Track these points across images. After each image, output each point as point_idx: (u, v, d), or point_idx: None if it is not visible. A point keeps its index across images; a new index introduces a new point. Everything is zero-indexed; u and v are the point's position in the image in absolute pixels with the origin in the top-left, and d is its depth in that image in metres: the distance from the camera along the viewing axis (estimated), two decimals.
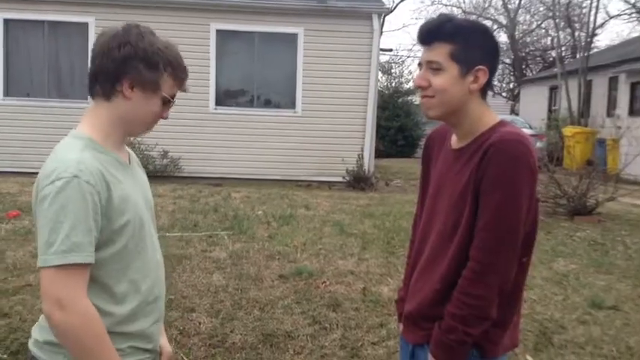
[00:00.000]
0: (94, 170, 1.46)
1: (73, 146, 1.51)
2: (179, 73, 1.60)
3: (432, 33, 1.65)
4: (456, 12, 33.01)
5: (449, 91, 1.64)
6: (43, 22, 11.34)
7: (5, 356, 3.47)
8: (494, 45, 1.71)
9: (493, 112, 1.74)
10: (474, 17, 34.22)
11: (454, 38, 1.63)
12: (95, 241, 1.45)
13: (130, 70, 1.53)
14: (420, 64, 1.70)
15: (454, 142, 1.77)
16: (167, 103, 1.61)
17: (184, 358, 3.61)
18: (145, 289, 1.60)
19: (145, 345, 1.62)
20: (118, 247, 1.52)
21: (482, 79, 1.67)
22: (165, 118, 1.65)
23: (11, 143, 11.24)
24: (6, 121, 11.29)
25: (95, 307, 1.48)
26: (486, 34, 1.70)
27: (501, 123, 1.69)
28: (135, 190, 1.61)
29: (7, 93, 11.47)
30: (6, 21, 11.34)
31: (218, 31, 11.60)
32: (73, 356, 1.47)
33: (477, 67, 1.65)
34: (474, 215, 1.61)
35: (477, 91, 1.68)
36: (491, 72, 1.68)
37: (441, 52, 1.63)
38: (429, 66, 1.65)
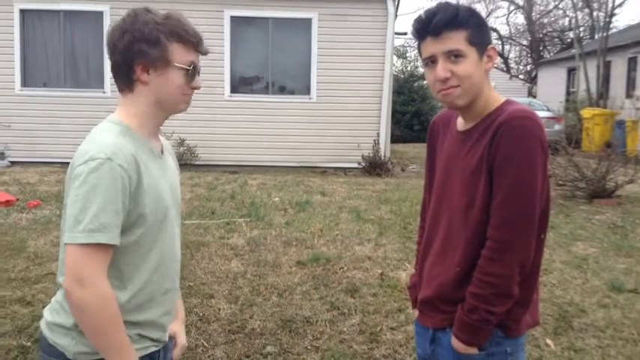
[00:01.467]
0: (127, 155, 1.48)
1: (111, 130, 1.54)
2: (187, 37, 1.57)
3: (446, 22, 1.61)
4: None
5: (474, 76, 1.63)
6: (58, 11, 11.39)
7: (29, 344, 3.52)
8: (486, 23, 1.74)
9: (496, 91, 1.74)
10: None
11: (468, 24, 1.62)
12: (121, 223, 1.47)
13: (136, 55, 1.53)
14: (429, 58, 1.64)
15: (460, 124, 1.76)
16: (189, 71, 1.58)
17: (204, 344, 3.64)
18: (157, 279, 1.60)
19: (152, 334, 1.63)
20: (139, 233, 1.53)
21: (495, 57, 1.69)
22: (198, 87, 1.62)
23: (30, 133, 11.35)
24: (24, 111, 11.39)
25: None
26: (480, 14, 1.72)
27: (507, 102, 1.69)
28: (163, 180, 1.62)
29: (25, 83, 11.57)
30: (22, 11, 11.41)
31: (232, 18, 11.58)
32: (86, 334, 1.49)
33: (489, 47, 1.67)
34: (488, 195, 1.61)
35: (488, 70, 1.69)
36: None
37: (458, 40, 1.61)
38: (449, 55, 1.61)
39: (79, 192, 1.43)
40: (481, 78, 1.66)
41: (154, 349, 1.64)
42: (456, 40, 1.61)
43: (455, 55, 1.61)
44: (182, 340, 1.83)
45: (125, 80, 1.57)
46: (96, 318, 1.45)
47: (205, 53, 1.64)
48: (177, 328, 1.82)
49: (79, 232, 1.42)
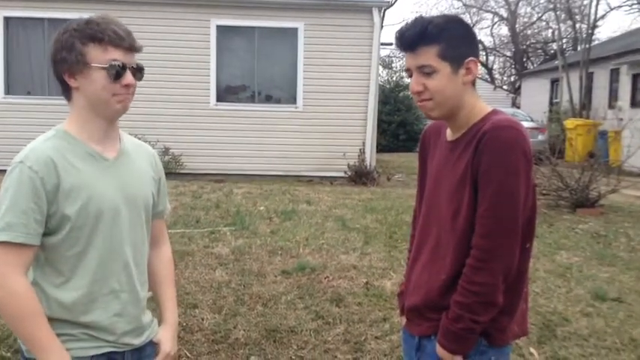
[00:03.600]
0: (41, 157, 1.54)
1: (42, 136, 1.62)
2: (101, 37, 1.56)
3: (415, 38, 1.64)
4: (457, 5, 32.91)
5: (445, 91, 1.66)
6: (43, 19, 11.32)
7: (9, 354, 3.47)
8: (472, 33, 1.74)
9: (483, 101, 1.75)
10: (474, 10, 34.26)
11: (439, 38, 1.63)
12: (38, 224, 1.52)
13: (60, 63, 1.59)
14: (407, 70, 1.70)
15: (449, 134, 1.78)
16: (112, 69, 1.57)
17: (188, 354, 3.61)
18: (98, 279, 1.61)
19: (105, 336, 1.64)
20: (65, 233, 1.56)
21: (475, 69, 1.69)
22: (131, 84, 1.61)
23: (13, 141, 11.20)
24: (7, 119, 11.28)
25: (45, 292, 1.58)
26: (464, 25, 1.72)
27: (493, 112, 1.71)
28: (105, 182, 1.62)
29: (8, 91, 11.47)
30: (6, 19, 11.33)
31: (218, 27, 11.57)
32: (11, 329, 1.59)
33: (467, 60, 1.66)
34: (473, 204, 1.62)
35: (470, 82, 1.69)
36: (478, 59, 1.73)
37: (429, 55, 1.64)
38: (421, 70, 1.65)
39: None
40: (456, 91, 1.67)
41: (110, 349, 1.65)
42: (427, 55, 1.64)
43: (426, 71, 1.64)
44: (166, 347, 1.81)
45: (62, 88, 1.64)
46: (10, 314, 1.51)
47: (134, 49, 1.62)
48: (163, 334, 1.81)
49: None
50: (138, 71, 1.64)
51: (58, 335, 1.55)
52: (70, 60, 1.57)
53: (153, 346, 1.78)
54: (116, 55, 1.58)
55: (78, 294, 1.58)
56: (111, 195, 1.62)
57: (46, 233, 1.55)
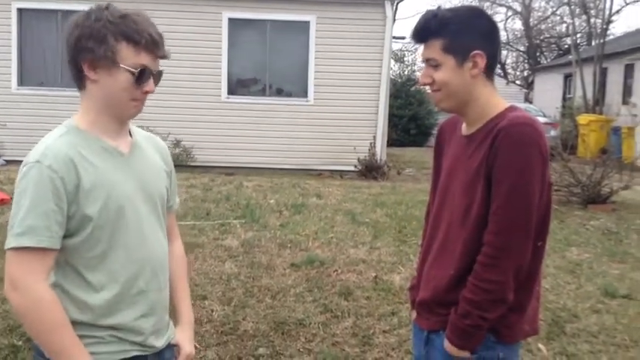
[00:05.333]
0: (59, 155, 1.46)
1: (54, 133, 1.55)
2: (138, 39, 1.49)
3: (422, 31, 1.70)
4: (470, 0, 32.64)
5: (451, 83, 1.67)
6: (56, 11, 11.37)
7: (20, 342, 3.51)
8: (486, 25, 1.71)
9: (501, 97, 1.74)
10: (488, 4, 33.96)
11: (441, 32, 1.66)
12: (60, 226, 1.45)
13: (84, 51, 1.50)
14: (422, 62, 1.75)
15: (464, 128, 1.78)
16: (141, 75, 1.51)
17: (197, 345, 3.63)
18: (124, 280, 1.55)
19: (132, 338, 1.58)
20: (87, 233, 1.49)
21: (481, 63, 1.67)
22: (151, 91, 1.56)
23: (25, 132, 11.30)
24: (20, 110, 11.38)
25: (69, 294, 1.50)
26: (475, 18, 1.71)
27: (510, 108, 1.70)
28: (122, 177, 1.56)
29: (21, 82, 11.55)
30: (19, 10, 11.40)
31: (230, 20, 11.58)
32: (31, 337, 1.51)
33: (472, 53, 1.66)
34: (486, 200, 1.62)
35: (480, 75, 1.68)
36: (492, 52, 1.68)
37: (434, 48, 1.67)
38: (429, 63, 1.70)
39: (14, 197, 1.46)
40: (464, 84, 1.68)
41: (137, 353, 1.60)
42: (432, 49, 1.68)
43: (432, 63, 1.68)
44: (187, 349, 1.76)
45: (76, 76, 1.55)
46: (34, 322, 1.44)
47: (163, 57, 1.56)
48: (181, 335, 1.77)
49: (11, 237, 1.43)
50: (158, 77, 1.58)
51: (84, 338, 1.49)
52: (97, 52, 1.48)
53: (171, 349, 1.74)
54: (147, 61, 1.52)
55: (107, 296, 1.52)
56: (131, 191, 1.56)
57: (66, 235, 1.47)
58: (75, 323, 1.49)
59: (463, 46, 1.65)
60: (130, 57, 1.50)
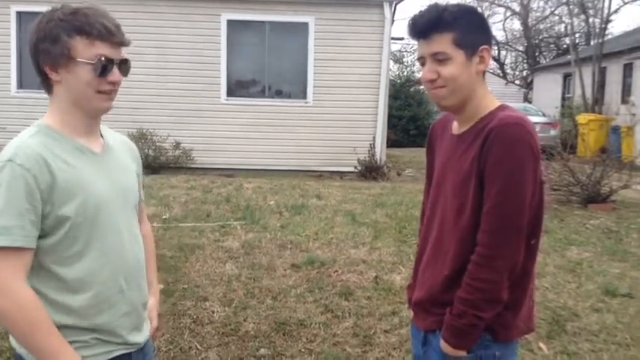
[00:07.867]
0: (31, 154, 1.44)
1: (24, 133, 1.53)
2: (90, 30, 1.47)
3: (430, 25, 1.64)
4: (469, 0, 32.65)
5: (460, 78, 1.65)
6: None
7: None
8: (486, 22, 1.74)
9: (493, 96, 1.75)
10: (486, 4, 33.99)
11: (453, 25, 1.63)
12: (33, 225, 1.43)
13: (42, 54, 1.50)
14: (420, 59, 1.69)
15: (455, 127, 1.78)
16: (100, 65, 1.49)
17: (198, 346, 3.64)
18: (103, 279, 1.54)
19: (115, 339, 1.58)
20: (67, 233, 1.48)
21: (488, 58, 1.68)
22: (117, 81, 1.54)
23: None
24: (19, 113, 11.36)
25: (47, 297, 1.47)
26: (478, 14, 1.73)
27: (501, 107, 1.70)
28: (97, 176, 1.56)
29: (21, 85, 11.55)
30: (18, 13, 11.40)
31: (229, 22, 11.58)
32: (15, 339, 1.48)
33: (481, 48, 1.66)
34: (478, 200, 1.62)
35: (482, 71, 1.69)
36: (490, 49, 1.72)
37: (444, 42, 1.63)
38: (435, 58, 1.65)
39: None
40: (470, 79, 1.67)
41: (122, 351, 1.60)
42: (441, 42, 1.63)
43: (440, 58, 1.64)
44: (155, 322, 1.84)
45: (42, 80, 1.55)
46: (16, 324, 1.42)
47: (123, 44, 1.54)
48: (151, 308, 1.82)
49: None
50: (124, 65, 1.56)
51: (68, 343, 1.48)
52: (54, 52, 1.48)
53: (150, 343, 1.76)
54: (104, 50, 1.49)
55: (87, 296, 1.51)
56: (106, 189, 1.56)
57: (41, 235, 1.45)
58: (57, 327, 1.47)
59: (473, 40, 1.65)
60: (85, 50, 1.48)
